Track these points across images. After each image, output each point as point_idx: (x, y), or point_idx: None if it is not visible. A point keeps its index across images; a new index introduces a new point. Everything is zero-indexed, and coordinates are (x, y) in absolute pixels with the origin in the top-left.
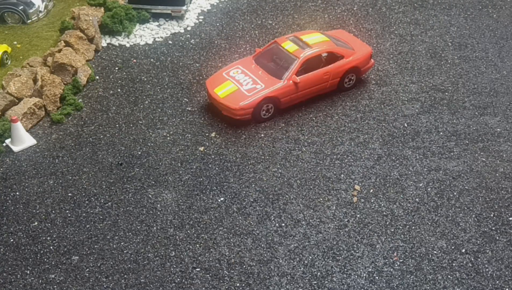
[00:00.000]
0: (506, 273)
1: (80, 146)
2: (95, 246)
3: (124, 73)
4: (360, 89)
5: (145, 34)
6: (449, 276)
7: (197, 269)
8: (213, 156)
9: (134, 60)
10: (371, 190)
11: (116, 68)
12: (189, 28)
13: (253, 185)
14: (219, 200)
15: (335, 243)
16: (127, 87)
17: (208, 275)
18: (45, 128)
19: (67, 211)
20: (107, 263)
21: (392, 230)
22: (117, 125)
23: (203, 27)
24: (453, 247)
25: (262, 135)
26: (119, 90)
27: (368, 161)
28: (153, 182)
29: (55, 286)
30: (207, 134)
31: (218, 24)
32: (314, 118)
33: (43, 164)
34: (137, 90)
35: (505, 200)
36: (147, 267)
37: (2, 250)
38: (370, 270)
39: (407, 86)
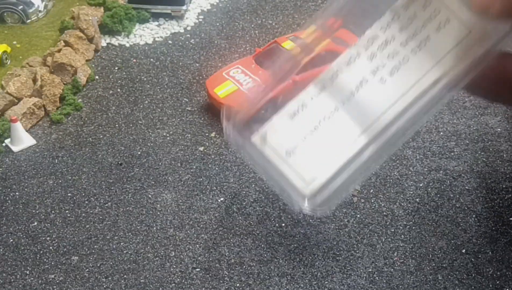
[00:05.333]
0: (507, 273)
1: (80, 146)
2: (95, 246)
3: (124, 73)
4: None
5: (145, 34)
6: (449, 276)
7: (197, 269)
8: (213, 156)
9: (134, 60)
10: (371, 190)
11: (116, 68)
12: (189, 28)
13: (253, 185)
14: (219, 200)
15: (335, 243)
16: (126, 87)
17: (208, 275)
18: (45, 128)
19: (67, 211)
20: (106, 263)
21: (393, 230)
22: (116, 125)
23: (203, 27)
24: (453, 247)
25: None
26: (118, 90)
27: None
28: (153, 182)
29: (55, 286)
30: (207, 134)
31: (218, 24)
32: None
33: (43, 164)
34: (137, 90)
35: (505, 201)
36: (147, 267)
37: (1, 250)
38: (370, 270)
39: None
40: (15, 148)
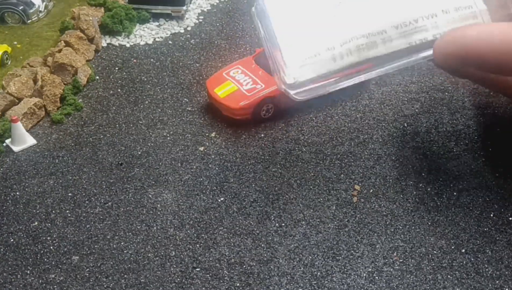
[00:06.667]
0: (506, 273)
1: (80, 146)
2: (95, 246)
3: (124, 73)
4: (360, 89)
5: (145, 34)
6: (449, 276)
7: (197, 269)
8: (213, 156)
9: (135, 60)
10: (371, 190)
11: (116, 68)
12: (189, 28)
13: (253, 185)
14: (219, 200)
15: (335, 243)
16: (127, 87)
17: (208, 275)
18: (45, 128)
19: (67, 211)
20: (107, 263)
21: (392, 230)
22: (117, 125)
23: (203, 27)
24: (453, 247)
25: (262, 135)
26: (119, 90)
27: (368, 161)
28: (153, 182)
29: (55, 286)
30: (207, 134)
31: (218, 24)
32: (314, 118)
33: (43, 164)
34: (137, 90)
35: (505, 200)
36: (147, 267)
37: (2, 250)
38: (370, 270)
39: (407, 86)
40: (15, 148)
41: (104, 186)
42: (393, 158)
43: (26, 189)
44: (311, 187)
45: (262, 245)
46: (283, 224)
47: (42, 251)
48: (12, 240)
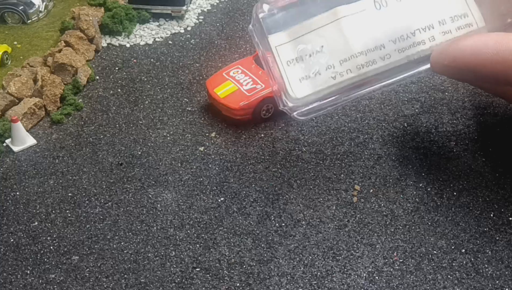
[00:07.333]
0: (506, 273)
1: (80, 146)
2: (95, 246)
3: (124, 73)
4: None
5: (145, 34)
6: (449, 276)
7: (197, 269)
8: (213, 156)
9: (135, 60)
10: (371, 190)
11: (116, 68)
12: (189, 28)
13: (253, 185)
14: (219, 200)
15: (335, 243)
16: (127, 87)
17: (208, 275)
18: (45, 128)
19: (67, 211)
20: (107, 263)
21: (392, 230)
22: (117, 125)
23: (203, 27)
24: (453, 247)
25: (262, 135)
26: (119, 90)
27: (368, 161)
28: (153, 182)
29: (55, 286)
30: (207, 134)
31: (218, 24)
32: (314, 118)
33: (43, 164)
34: (137, 90)
35: (505, 200)
36: (147, 267)
37: (2, 250)
38: (370, 270)
39: (407, 86)
40: (15, 148)
41: (104, 186)
42: (393, 158)
43: (26, 189)
44: (311, 187)
45: (262, 245)
46: (283, 224)
47: (42, 251)
48: (12, 240)
